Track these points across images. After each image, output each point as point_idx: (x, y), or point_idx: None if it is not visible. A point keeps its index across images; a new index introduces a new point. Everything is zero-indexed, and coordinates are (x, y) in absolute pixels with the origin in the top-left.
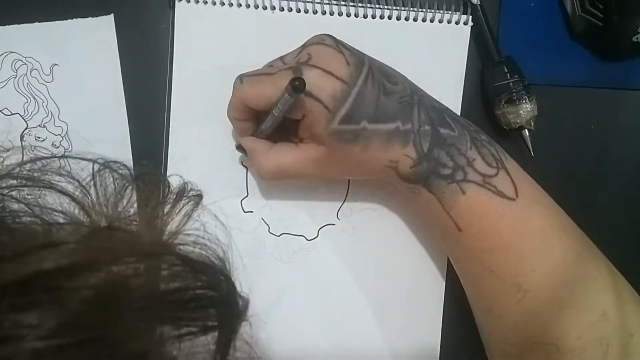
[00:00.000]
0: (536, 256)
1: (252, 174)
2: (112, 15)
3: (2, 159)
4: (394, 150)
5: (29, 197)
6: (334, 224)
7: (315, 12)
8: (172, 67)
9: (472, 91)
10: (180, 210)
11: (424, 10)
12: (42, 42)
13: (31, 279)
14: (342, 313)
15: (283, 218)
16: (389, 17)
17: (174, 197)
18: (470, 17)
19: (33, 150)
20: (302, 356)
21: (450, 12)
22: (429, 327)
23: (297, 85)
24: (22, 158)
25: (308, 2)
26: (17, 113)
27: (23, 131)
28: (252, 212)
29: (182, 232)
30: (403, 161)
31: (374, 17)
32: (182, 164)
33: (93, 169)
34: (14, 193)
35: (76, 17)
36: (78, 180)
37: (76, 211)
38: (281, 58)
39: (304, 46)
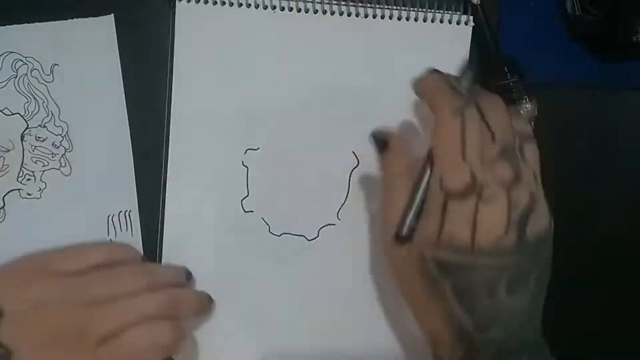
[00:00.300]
0: None
1: (253, 173)
2: (112, 15)
3: (2, 159)
4: (441, 334)
5: None
6: (334, 224)
7: (315, 12)
8: (172, 67)
9: None
10: None
11: (425, 10)
12: (42, 42)
13: None
14: (343, 313)
15: (283, 218)
16: (390, 17)
17: None
18: (472, 17)
19: (33, 150)
20: (302, 356)
21: (450, 12)
22: None
23: None
24: (22, 158)
25: (308, 2)
26: (18, 113)
27: (23, 131)
28: (252, 211)
29: None
30: (439, 344)
31: (374, 17)
32: (183, 163)
33: None
34: None
35: (76, 17)
36: None
37: None
38: None
39: None
